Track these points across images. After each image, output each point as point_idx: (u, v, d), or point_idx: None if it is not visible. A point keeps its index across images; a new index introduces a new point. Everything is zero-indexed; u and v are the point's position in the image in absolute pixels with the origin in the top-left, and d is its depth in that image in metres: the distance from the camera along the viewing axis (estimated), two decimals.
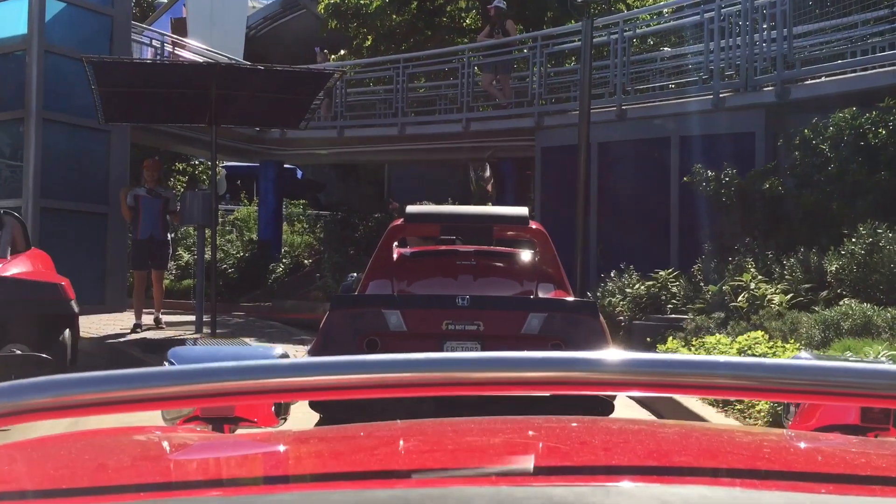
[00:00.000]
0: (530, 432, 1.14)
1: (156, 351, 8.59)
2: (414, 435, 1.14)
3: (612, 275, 10.36)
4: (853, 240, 7.57)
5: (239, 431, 1.41)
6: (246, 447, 1.06)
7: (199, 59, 15.36)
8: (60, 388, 0.77)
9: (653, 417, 5.31)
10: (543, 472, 0.84)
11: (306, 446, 1.07)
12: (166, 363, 1.61)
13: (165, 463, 0.98)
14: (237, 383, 0.81)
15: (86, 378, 0.80)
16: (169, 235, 10.65)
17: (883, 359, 4.72)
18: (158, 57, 15.26)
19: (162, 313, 10.74)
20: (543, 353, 0.84)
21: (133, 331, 10.15)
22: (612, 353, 0.83)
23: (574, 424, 1.17)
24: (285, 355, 1.64)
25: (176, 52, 15.91)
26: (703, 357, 0.83)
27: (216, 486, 0.80)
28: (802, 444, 1.10)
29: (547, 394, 0.85)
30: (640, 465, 0.85)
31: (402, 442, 1.08)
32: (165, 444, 1.12)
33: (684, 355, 0.85)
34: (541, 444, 1.04)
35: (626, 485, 0.74)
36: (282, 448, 1.05)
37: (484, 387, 0.83)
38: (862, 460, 0.95)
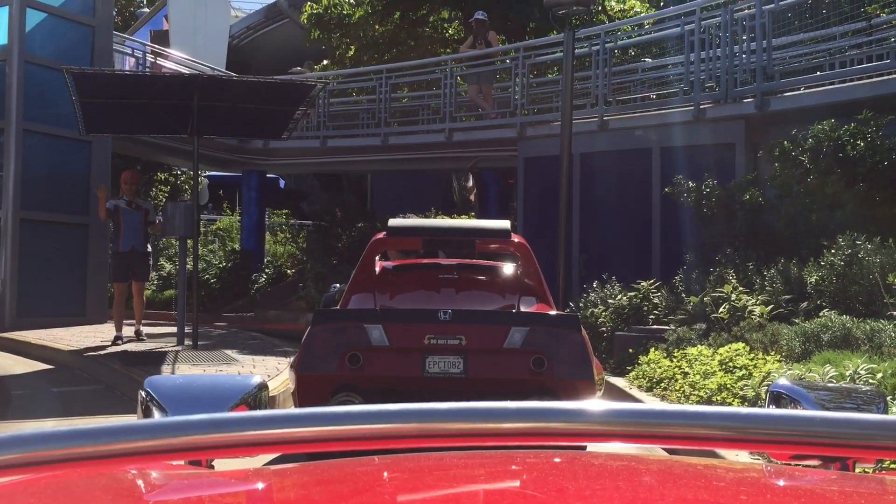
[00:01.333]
0: (511, 470, 1.14)
1: (137, 364, 8.53)
2: (390, 472, 1.14)
3: (595, 285, 10.39)
4: (832, 251, 7.63)
5: (216, 463, 1.40)
6: (218, 488, 1.06)
7: (182, 69, 15.31)
8: (23, 444, 0.76)
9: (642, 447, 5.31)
10: None
11: (280, 490, 1.06)
12: (143, 392, 1.60)
13: None
14: (214, 437, 0.81)
15: (54, 434, 0.79)
16: (149, 247, 10.58)
17: (859, 376, 4.75)
18: (140, 67, 15.20)
19: (143, 325, 10.64)
20: (521, 404, 0.84)
21: (114, 343, 10.04)
22: (592, 404, 0.84)
23: (556, 460, 1.17)
24: (263, 385, 1.63)
25: (158, 62, 15.86)
26: (683, 407, 0.83)
27: None
28: (780, 483, 1.10)
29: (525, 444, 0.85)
30: None
31: (379, 485, 1.07)
32: (139, 486, 1.11)
33: (664, 405, 0.86)
34: (521, 488, 1.04)
35: None
36: (252, 492, 1.04)
37: (459, 438, 0.82)
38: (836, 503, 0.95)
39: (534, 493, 1.00)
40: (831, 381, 4.89)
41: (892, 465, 3.59)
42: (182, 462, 1.36)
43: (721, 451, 4.75)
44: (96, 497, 1.04)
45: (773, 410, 0.88)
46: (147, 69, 15.00)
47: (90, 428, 0.79)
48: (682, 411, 0.83)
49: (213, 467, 1.39)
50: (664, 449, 5.13)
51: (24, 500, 0.97)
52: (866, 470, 1.55)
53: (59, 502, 1.01)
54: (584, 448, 1.37)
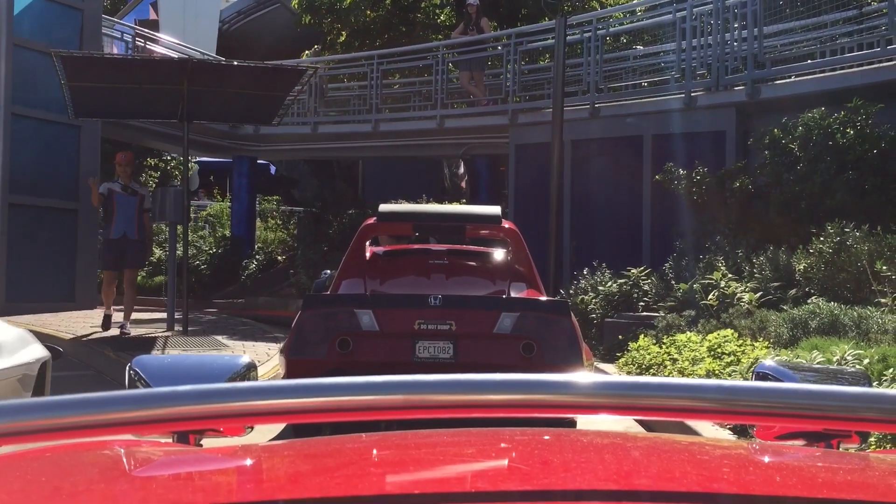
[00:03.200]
0: (499, 447, 1.14)
1: (127, 349, 8.50)
2: (379, 451, 1.14)
3: (585, 272, 10.42)
4: (821, 239, 7.66)
5: (205, 441, 1.40)
6: (206, 464, 1.06)
7: (171, 54, 15.22)
8: (14, 413, 0.76)
9: (632, 423, 5.33)
10: (504, 497, 0.84)
11: (268, 465, 1.07)
12: (130, 371, 1.59)
13: (124, 485, 0.97)
14: (201, 408, 0.81)
15: (45, 403, 0.79)
16: (143, 234, 9.78)
17: (846, 362, 4.79)
18: (130, 52, 15.10)
19: (134, 311, 10.07)
20: (508, 376, 0.84)
21: (104, 323, 9.74)
22: (579, 376, 0.84)
23: (545, 438, 1.17)
24: (252, 365, 1.62)
25: (148, 46, 15.75)
26: (669, 380, 0.84)
27: None
28: (765, 459, 1.11)
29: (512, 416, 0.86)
30: (601, 490, 0.85)
31: (366, 461, 1.07)
32: (126, 461, 1.11)
33: (647, 378, 0.86)
34: (507, 463, 1.05)
35: None
36: (240, 468, 1.04)
37: (447, 410, 0.83)
38: (819, 479, 0.96)
39: (522, 467, 1.00)
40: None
41: (877, 448, 3.62)
42: (171, 440, 1.36)
43: (707, 430, 4.78)
44: (83, 472, 1.04)
45: (758, 383, 0.88)
46: (137, 53, 14.89)
47: (75, 398, 0.79)
48: (669, 384, 0.83)
49: (201, 446, 1.39)
50: (640, 423, 5.15)
51: (9, 475, 0.97)
52: (850, 450, 1.56)
53: (45, 477, 1.01)
54: (573, 425, 1.38)
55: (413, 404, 0.81)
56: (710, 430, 4.83)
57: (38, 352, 4.50)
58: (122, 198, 9.53)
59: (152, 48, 15.86)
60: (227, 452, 1.22)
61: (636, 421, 5.20)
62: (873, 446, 3.77)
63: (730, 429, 4.88)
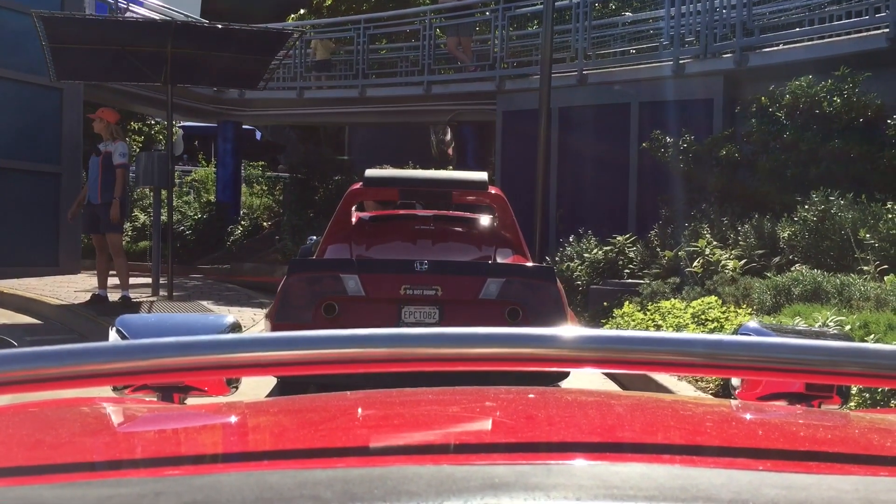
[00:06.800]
0: (483, 404, 1.15)
1: (111, 314, 8.46)
2: (363, 408, 1.14)
3: (571, 240, 10.44)
4: (806, 207, 7.70)
5: (189, 401, 1.40)
6: (188, 420, 1.05)
7: (155, 16, 15.00)
8: None
9: (614, 387, 5.38)
10: (488, 449, 0.84)
11: (250, 421, 1.06)
12: (113, 329, 1.58)
13: (106, 438, 0.97)
14: (182, 359, 0.80)
15: (21, 354, 0.78)
16: (110, 196, 8.69)
17: (828, 327, 4.83)
18: (113, 13, 14.86)
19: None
20: (492, 330, 0.84)
21: (94, 301, 9.09)
22: (563, 330, 0.84)
23: (530, 396, 1.18)
24: (237, 325, 1.62)
25: (131, 7, 15.51)
26: (653, 334, 0.84)
27: (150, 466, 0.79)
28: (748, 416, 1.12)
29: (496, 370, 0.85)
30: (585, 442, 0.86)
31: (349, 416, 1.07)
32: (109, 417, 1.10)
33: (632, 332, 0.86)
34: (490, 420, 1.05)
35: (568, 463, 0.74)
36: (223, 424, 1.04)
37: (431, 363, 0.82)
38: (801, 434, 0.97)
39: (507, 422, 1.00)
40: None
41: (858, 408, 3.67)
42: (154, 399, 1.36)
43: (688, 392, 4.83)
44: (65, 427, 1.03)
45: (743, 337, 0.88)
46: (120, 14, 14.66)
47: (52, 349, 0.78)
48: (654, 337, 0.83)
49: (185, 404, 1.38)
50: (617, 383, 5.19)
51: None
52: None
53: (26, 431, 1.00)
54: (562, 377, 1.38)
55: (397, 357, 0.81)
56: (693, 393, 4.88)
57: None
58: (91, 160, 8.92)
59: (135, 10, 15.62)
60: (211, 409, 1.21)
61: (614, 383, 5.26)
62: (854, 407, 3.82)
63: (712, 393, 4.93)
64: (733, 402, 1.26)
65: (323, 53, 15.58)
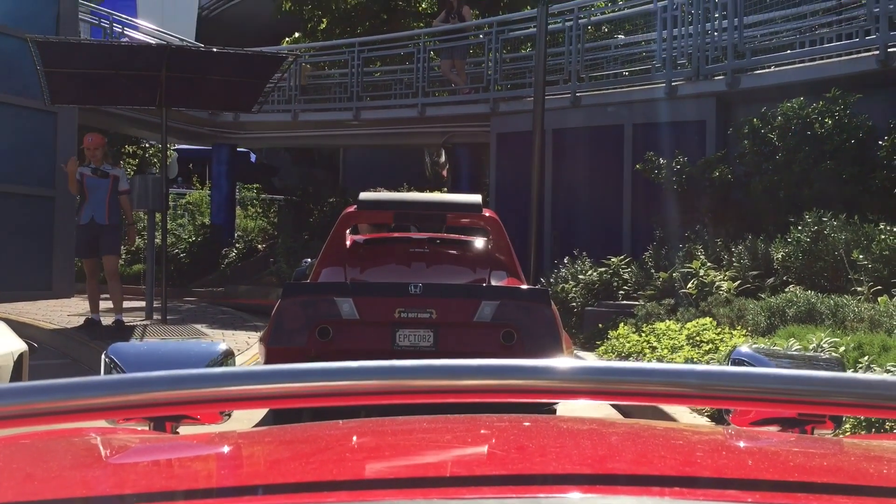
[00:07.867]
0: (477, 434, 1.14)
1: (104, 338, 8.43)
2: (355, 437, 1.14)
3: (566, 261, 10.45)
4: (799, 228, 7.72)
5: (181, 429, 1.39)
6: (180, 452, 1.05)
7: (150, 39, 15.07)
8: None
9: (611, 411, 5.36)
10: (479, 482, 0.84)
11: (242, 453, 1.06)
12: (105, 358, 1.58)
13: (98, 471, 0.96)
14: (174, 393, 0.80)
15: (17, 388, 0.78)
16: (118, 218, 9.07)
17: (822, 349, 4.84)
18: (107, 37, 14.93)
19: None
20: (484, 361, 0.84)
21: (85, 325, 9.05)
22: (556, 361, 0.84)
23: (524, 424, 1.18)
24: (229, 352, 1.61)
25: (126, 32, 15.58)
26: (643, 364, 0.84)
27: (142, 502, 0.78)
28: (740, 445, 1.12)
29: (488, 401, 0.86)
30: (576, 474, 0.85)
31: (341, 447, 1.07)
32: (101, 449, 1.10)
33: (624, 363, 0.87)
34: (482, 450, 1.05)
35: (559, 496, 0.74)
36: (215, 455, 1.04)
37: (424, 395, 0.82)
38: (793, 463, 0.97)
39: (499, 452, 1.00)
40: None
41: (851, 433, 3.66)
42: (147, 428, 1.35)
43: (684, 417, 4.81)
44: (57, 459, 1.03)
45: (734, 368, 0.89)
46: (115, 39, 14.72)
47: (48, 384, 0.78)
48: (646, 369, 0.84)
49: (177, 433, 1.38)
50: (618, 409, 5.18)
51: None
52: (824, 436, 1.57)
53: (18, 464, 0.99)
54: (553, 412, 1.38)
55: (390, 389, 0.81)
56: (688, 417, 4.87)
57: (14, 344, 4.46)
58: (91, 181, 8.95)
59: (130, 34, 15.69)
60: (204, 440, 1.21)
61: (613, 407, 5.25)
62: (847, 433, 3.81)
63: (707, 415, 4.92)
64: (726, 430, 1.26)
65: (302, 79, 15.66)
